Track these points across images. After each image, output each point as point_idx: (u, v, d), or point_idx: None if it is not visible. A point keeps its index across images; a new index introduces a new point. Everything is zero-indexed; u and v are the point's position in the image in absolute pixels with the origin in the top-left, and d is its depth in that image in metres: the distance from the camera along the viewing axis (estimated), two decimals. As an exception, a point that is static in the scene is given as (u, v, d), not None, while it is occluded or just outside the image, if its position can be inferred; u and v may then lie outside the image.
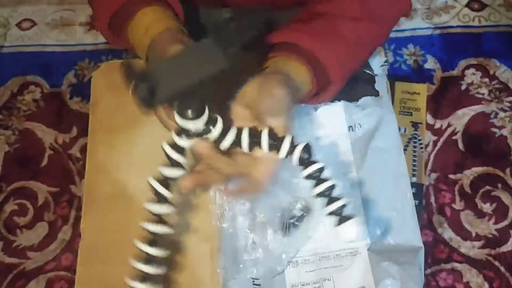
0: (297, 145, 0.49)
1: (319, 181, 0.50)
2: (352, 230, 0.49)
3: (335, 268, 0.62)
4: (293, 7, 0.70)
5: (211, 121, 0.48)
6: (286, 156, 0.49)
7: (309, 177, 0.50)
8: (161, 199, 0.52)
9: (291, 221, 0.61)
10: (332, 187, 0.50)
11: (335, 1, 0.60)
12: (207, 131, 0.48)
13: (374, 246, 0.62)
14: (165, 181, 0.51)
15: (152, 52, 0.55)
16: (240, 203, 0.62)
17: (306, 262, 0.62)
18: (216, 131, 0.48)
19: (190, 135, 0.49)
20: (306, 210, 0.61)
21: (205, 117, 0.48)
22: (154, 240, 0.53)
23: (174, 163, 0.50)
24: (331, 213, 0.50)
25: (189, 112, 0.46)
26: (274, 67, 0.55)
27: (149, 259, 0.53)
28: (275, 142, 0.49)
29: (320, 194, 0.50)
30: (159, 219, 0.53)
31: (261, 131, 0.49)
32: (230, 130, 0.49)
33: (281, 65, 0.55)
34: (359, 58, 0.62)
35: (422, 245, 0.63)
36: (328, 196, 0.50)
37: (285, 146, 0.48)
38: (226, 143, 0.49)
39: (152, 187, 0.51)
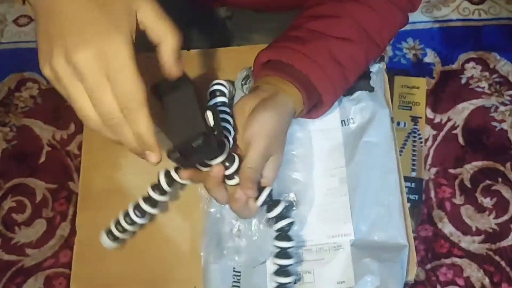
0: (286, 217, 0.55)
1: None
2: None
3: (316, 262, 0.61)
4: (287, 11, 0.70)
5: (229, 159, 0.52)
6: (273, 218, 0.55)
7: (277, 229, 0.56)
8: (161, 191, 0.57)
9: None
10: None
11: (330, 20, 0.59)
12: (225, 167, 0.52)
13: (358, 242, 0.62)
14: (171, 180, 0.57)
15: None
16: None
17: None
18: (233, 168, 0.52)
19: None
20: (294, 203, 0.61)
21: (224, 155, 0.51)
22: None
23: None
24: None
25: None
26: (267, 87, 0.56)
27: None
28: (270, 202, 0.54)
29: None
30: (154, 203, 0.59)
31: (264, 187, 0.53)
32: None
33: (275, 85, 0.56)
34: (352, 78, 0.62)
35: (407, 243, 0.62)
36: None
37: (277, 210, 0.54)
38: (235, 182, 0.53)
39: (158, 179, 0.57)
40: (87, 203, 0.70)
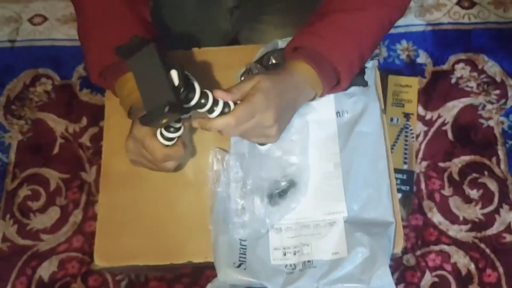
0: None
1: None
2: None
3: (313, 236, 0.68)
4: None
5: (204, 97, 0.58)
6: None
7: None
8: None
9: (277, 191, 0.69)
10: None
11: None
12: (200, 105, 0.59)
13: (350, 219, 0.69)
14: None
15: (134, 116, 0.66)
16: (234, 171, 0.70)
17: (289, 229, 0.69)
18: (208, 104, 0.59)
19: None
20: (292, 184, 0.69)
21: (197, 94, 0.57)
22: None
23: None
24: None
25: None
26: (282, 69, 0.64)
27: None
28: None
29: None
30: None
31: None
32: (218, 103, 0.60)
33: (291, 67, 0.64)
34: (372, 44, 0.67)
35: (394, 220, 0.68)
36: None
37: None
38: (216, 113, 0.59)
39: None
40: (108, 185, 0.76)
